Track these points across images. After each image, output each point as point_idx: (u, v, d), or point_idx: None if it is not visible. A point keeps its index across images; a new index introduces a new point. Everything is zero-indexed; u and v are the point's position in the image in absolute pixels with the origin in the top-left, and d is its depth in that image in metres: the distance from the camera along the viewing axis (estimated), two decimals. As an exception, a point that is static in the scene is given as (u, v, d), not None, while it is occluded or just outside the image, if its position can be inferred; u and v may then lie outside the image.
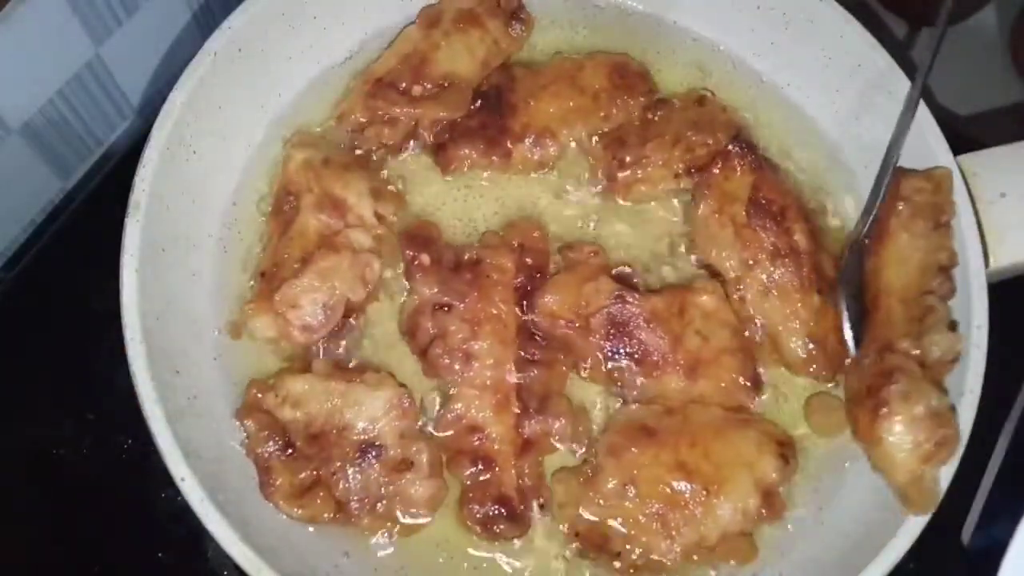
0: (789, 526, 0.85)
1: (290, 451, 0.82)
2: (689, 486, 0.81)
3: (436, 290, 0.86)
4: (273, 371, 0.87)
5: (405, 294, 0.89)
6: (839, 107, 0.96)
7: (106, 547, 0.92)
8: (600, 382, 0.87)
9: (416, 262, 0.88)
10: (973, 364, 0.82)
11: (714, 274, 0.90)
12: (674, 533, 0.81)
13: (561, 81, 0.95)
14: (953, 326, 0.83)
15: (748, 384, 0.86)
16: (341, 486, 0.81)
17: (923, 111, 0.90)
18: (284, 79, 0.95)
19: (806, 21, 0.95)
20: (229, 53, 0.89)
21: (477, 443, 0.83)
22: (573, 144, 0.95)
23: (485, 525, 0.82)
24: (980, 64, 1.28)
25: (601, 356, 0.86)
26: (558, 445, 0.85)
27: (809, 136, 0.98)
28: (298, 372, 0.85)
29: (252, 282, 0.89)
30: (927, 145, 0.89)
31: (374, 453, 0.82)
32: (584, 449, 0.86)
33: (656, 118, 0.95)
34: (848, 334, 0.87)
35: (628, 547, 0.82)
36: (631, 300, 0.86)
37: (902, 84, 0.91)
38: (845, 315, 0.87)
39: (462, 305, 0.86)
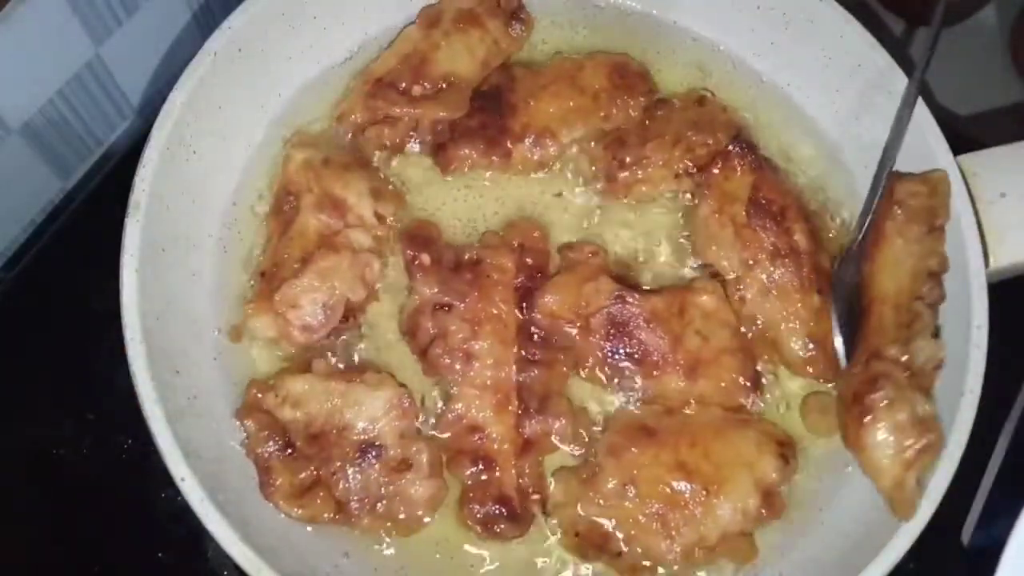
0: (789, 526, 0.85)
1: (290, 451, 0.82)
2: (689, 486, 0.81)
3: (436, 290, 0.86)
4: (273, 371, 0.87)
5: (406, 294, 0.89)
6: (839, 107, 0.96)
7: (106, 547, 0.92)
8: (600, 382, 0.87)
9: (416, 262, 0.88)
10: (973, 364, 0.82)
11: (714, 274, 0.90)
12: (674, 533, 0.81)
13: (561, 81, 0.95)
14: (937, 333, 0.84)
15: (748, 384, 0.86)
16: (341, 486, 0.81)
17: (923, 111, 0.90)
18: (284, 79, 0.95)
19: (806, 21, 0.95)
20: (229, 53, 0.89)
21: (477, 443, 0.83)
22: (573, 144, 0.95)
23: (485, 525, 0.82)
24: (980, 64, 1.28)
25: (601, 356, 0.86)
26: (558, 445, 0.85)
27: (809, 136, 0.98)
28: (298, 372, 0.85)
29: (252, 282, 0.89)
30: (927, 145, 0.89)
31: (374, 453, 0.82)
32: (584, 449, 0.86)
33: (656, 118, 0.95)
34: (838, 341, 0.86)
35: (628, 547, 0.82)
36: (631, 300, 0.86)
37: (902, 84, 0.91)
38: (835, 323, 0.87)
39: (462, 305, 0.86)
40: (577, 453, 0.86)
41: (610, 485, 0.82)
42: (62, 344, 0.97)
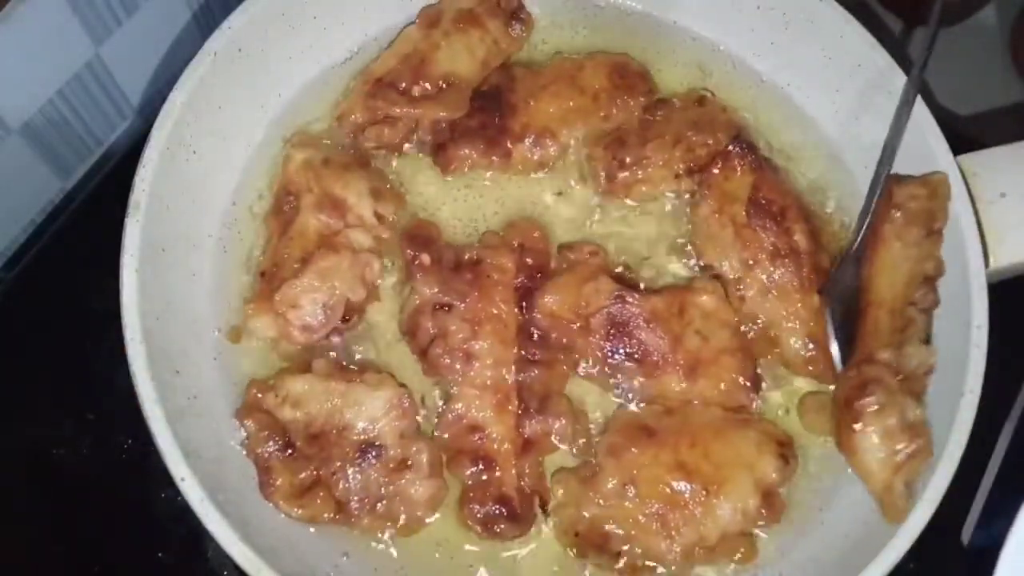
0: (789, 526, 0.85)
1: (290, 451, 0.82)
2: (689, 486, 0.81)
3: (436, 290, 0.86)
4: (273, 371, 0.87)
5: (406, 294, 0.89)
6: (839, 107, 0.96)
7: (106, 547, 0.92)
8: (600, 382, 0.87)
9: (416, 262, 0.88)
10: (973, 364, 0.82)
11: (714, 274, 0.90)
12: (674, 533, 0.81)
13: (561, 81, 0.95)
14: (928, 339, 0.84)
15: (748, 384, 0.86)
16: (341, 486, 0.81)
17: (923, 111, 0.90)
18: (284, 79, 0.95)
19: (806, 21, 0.95)
20: (229, 53, 0.89)
21: (477, 443, 0.83)
22: (573, 144, 0.95)
23: (485, 525, 0.82)
24: (980, 64, 1.28)
25: (601, 356, 0.86)
26: (558, 445, 0.85)
27: (809, 136, 0.98)
28: (298, 372, 0.85)
29: (252, 282, 0.89)
30: (927, 145, 0.89)
31: (374, 453, 0.82)
32: (584, 449, 0.86)
33: (656, 118, 0.95)
34: (834, 346, 0.86)
35: (628, 547, 0.82)
36: (631, 300, 0.86)
37: (902, 84, 0.91)
38: (830, 326, 0.86)
39: (462, 305, 0.86)
40: (577, 453, 0.86)
41: (610, 485, 0.82)
42: (62, 344, 0.97)
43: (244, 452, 0.83)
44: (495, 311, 0.86)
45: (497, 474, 0.82)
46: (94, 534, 0.92)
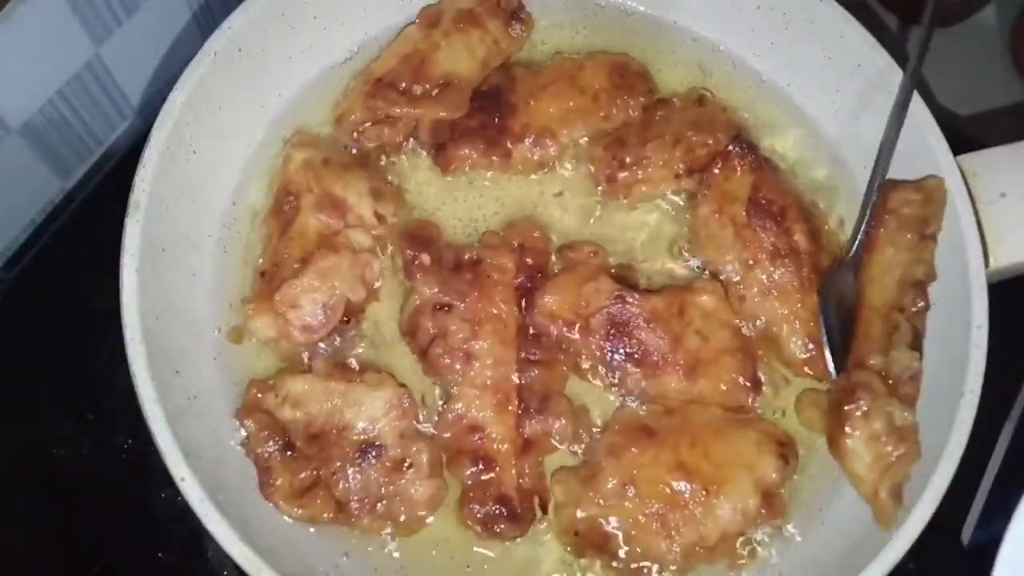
0: (789, 526, 0.85)
1: (290, 451, 0.82)
2: (689, 486, 0.81)
3: (436, 290, 0.86)
4: (273, 371, 0.87)
5: (405, 294, 0.89)
6: (839, 107, 0.96)
7: (106, 547, 0.92)
8: (600, 382, 0.87)
9: (416, 262, 0.88)
10: (973, 364, 0.82)
11: (714, 274, 0.90)
12: (674, 533, 0.81)
13: (561, 81, 0.95)
14: (914, 344, 0.84)
15: (748, 384, 0.86)
16: (341, 486, 0.81)
17: (923, 111, 0.90)
18: (284, 79, 0.95)
19: (806, 21, 0.95)
20: (229, 53, 0.89)
21: (477, 443, 0.83)
22: (573, 144, 0.95)
23: (485, 525, 0.82)
24: (980, 64, 1.28)
25: (601, 356, 0.86)
26: (558, 445, 0.85)
27: (809, 136, 0.98)
28: (298, 372, 0.85)
29: (252, 282, 0.89)
30: (926, 145, 0.89)
31: (374, 453, 0.82)
32: (584, 449, 0.86)
33: (656, 118, 0.95)
34: (827, 353, 0.86)
35: (628, 547, 0.82)
36: (631, 300, 0.86)
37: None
38: (823, 334, 0.86)
39: (462, 305, 0.86)
40: (577, 453, 0.86)
41: (610, 485, 0.82)
42: (62, 344, 0.97)
43: (244, 452, 0.83)
44: (495, 311, 0.86)
45: (497, 474, 0.82)
46: (94, 534, 0.92)
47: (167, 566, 0.91)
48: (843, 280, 0.87)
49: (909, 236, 0.87)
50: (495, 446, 0.83)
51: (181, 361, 0.83)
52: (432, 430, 0.85)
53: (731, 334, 0.87)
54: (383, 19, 0.98)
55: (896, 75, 0.91)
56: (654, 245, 0.93)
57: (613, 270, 0.90)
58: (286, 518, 0.81)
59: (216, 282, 0.89)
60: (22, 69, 0.94)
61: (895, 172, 0.89)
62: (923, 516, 0.78)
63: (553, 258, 0.91)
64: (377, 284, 0.89)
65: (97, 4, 0.98)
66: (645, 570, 0.82)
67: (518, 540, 0.83)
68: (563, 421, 0.85)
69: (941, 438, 0.80)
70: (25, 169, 1.03)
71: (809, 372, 0.88)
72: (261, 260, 0.90)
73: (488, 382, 0.84)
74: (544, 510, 0.84)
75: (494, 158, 0.93)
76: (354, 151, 0.94)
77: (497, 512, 0.82)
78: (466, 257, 0.88)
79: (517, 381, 0.85)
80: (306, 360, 0.87)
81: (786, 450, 0.84)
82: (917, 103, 0.89)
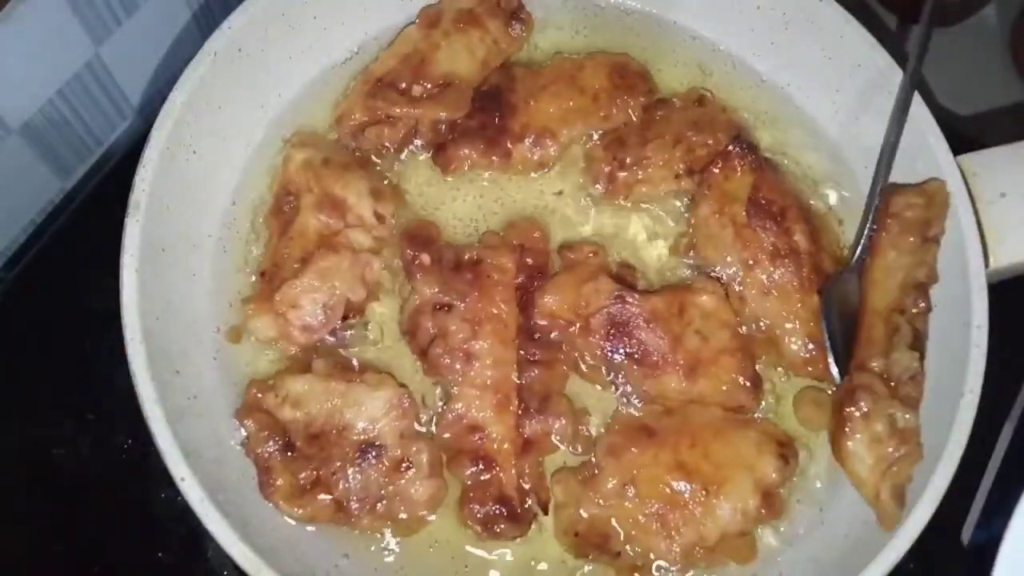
0: (789, 526, 0.85)
1: (290, 451, 0.82)
2: (689, 486, 0.81)
3: (436, 290, 0.86)
4: (273, 371, 0.87)
5: (406, 294, 0.89)
6: (839, 107, 0.96)
7: (106, 547, 0.92)
8: (600, 382, 0.87)
9: (416, 262, 0.88)
10: (973, 364, 0.82)
11: (714, 274, 0.90)
12: (674, 533, 0.81)
13: (561, 81, 0.95)
14: (916, 345, 0.84)
15: (748, 384, 0.86)
16: (341, 486, 0.81)
17: (923, 111, 0.90)
18: (284, 79, 0.95)
19: (806, 21, 0.95)
20: (229, 53, 0.89)
21: (477, 443, 0.83)
22: (573, 144, 0.95)
23: (485, 525, 0.82)
24: (980, 64, 1.28)
25: (601, 356, 0.86)
26: (558, 445, 0.85)
27: (809, 136, 0.98)
28: (298, 372, 0.85)
29: (252, 282, 0.89)
30: (927, 145, 0.89)
31: (374, 453, 0.82)
32: (584, 449, 0.86)
33: (656, 118, 0.95)
34: (831, 358, 0.86)
35: (628, 547, 0.82)
36: (631, 300, 0.86)
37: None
38: (826, 339, 0.86)
39: (462, 305, 0.86)
40: (577, 453, 0.86)
41: (610, 485, 0.82)
42: (62, 344, 0.97)
43: (244, 452, 0.83)
44: (495, 311, 0.86)
45: (497, 474, 0.82)
46: (94, 534, 0.92)
47: (167, 566, 0.91)
48: (847, 285, 0.87)
49: (911, 239, 0.87)
50: (495, 446, 0.83)
51: (181, 361, 0.83)
52: (432, 430, 0.85)
53: (731, 334, 0.87)
54: (383, 19, 0.98)
55: (896, 75, 0.91)
56: (654, 245, 0.93)
57: (613, 270, 0.90)
58: (286, 518, 0.81)
59: (216, 282, 0.89)
60: (22, 69, 0.94)
61: (895, 173, 0.89)
62: (923, 516, 0.79)
63: (553, 258, 0.91)
64: (377, 284, 0.89)
65: (97, 4, 0.98)
66: (645, 570, 0.82)
67: (518, 540, 0.83)
68: (563, 421, 0.85)
69: (941, 438, 0.80)
70: (25, 169, 1.03)
71: (809, 372, 0.88)
72: (261, 260, 0.90)
73: (488, 382, 0.84)
74: (544, 510, 0.84)
75: (494, 158, 0.93)
76: (354, 151, 0.94)
77: (497, 512, 0.82)
78: (466, 257, 0.88)
79: (517, 381, 0.85)
80: (306, 359, 0.87)
81: (786, 450, 0.84)
82: (917, 103, 0.90)
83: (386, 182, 0.93)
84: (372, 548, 0.83)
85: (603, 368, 0.86)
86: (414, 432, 0.84)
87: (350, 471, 0.81)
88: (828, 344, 0.86)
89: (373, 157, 0.94)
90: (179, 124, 0.86)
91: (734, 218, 0.89)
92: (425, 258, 0.88)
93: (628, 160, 0.93)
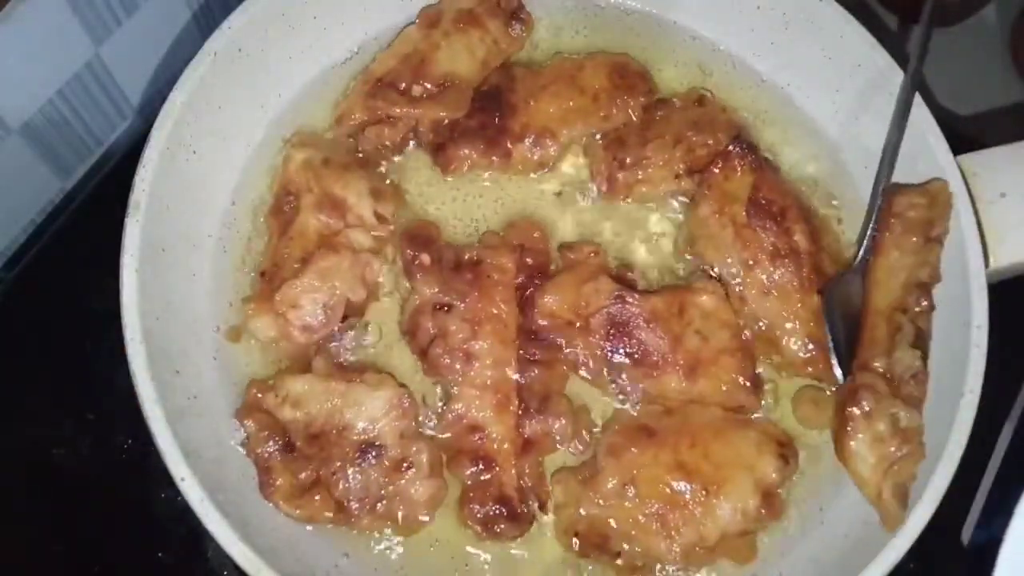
0: (789, 526, 0.85)
1: (290, 451, 0.82)
2: (689, 486, 0.81)
3: (436, 290, 0.86)
4: (273, 371, 0.87)
5: (406, 294, 0.89)
6: (839, 107, 0.96)
7: (106, 547, 0.92)
8: (600, 382, 0.87)
9: (416, 262, 0.88)
10: (973, 364, 0.82)
11: (714, 274, 0.90)
12: (674, 533, 0.81)
13: (561, 81, 0.95)
14: (918, 344, 0.84)
15: (748, 384, 0.86)
16: (341, 486, 0.81)
17: (923, 111, 0.90)
18: (284, 79, 0.95)
19: (806, 21, 0.95)
20: (229, 53, 0.89)
21: (477, 443, 0.83)
22: (573, 144, 0.95)
23: (485, 525, 0.82)
24: (980, 64, 1.28)
25: (601, 356, 0.86)
26: (558, 445, 0.85)
27: (809, 136, 0.98)
28: (298, 372, 0.85)
29: (252, 282, 0.89)
30: (927, 145, 0.89)
31: (374, 453, 0.82)
32: (584, 449, 0.86)
33: (656, 118, 0.95)
34: (834, 360, 0.86)
35: (628, 547, 0.82)
36: (631, 300, 0.86)
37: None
38: (831, 343, 0.86)
39: (462, 305, 0.86)
40: (577, 453, 0.86)
41: (610, 485, 0.82)
42: (62, 344, 0.97)
43: (244, 452, 0.83)
44: (495, 311, 0.86)
45: (497, 474, 0.82)
46: (94, 534, 0.92)
47: (167, 566, 0.91)
48: (850, 286, 0.87)
49: (914, 239, 0.87)
50: (495, 446, 0.83)
51: (181, 361, 0.83)
52: (432, 430, 0.85)
53: (731, 334, 0.87)
54: (383, 19, 0.98)
55: (896, 75, 0.91)
56: (654, 245, 0.93)
57: (613, 270, 0.90)
58: (286, 518, 0.81)
59: (216, 282, 0.89)
60: (22, 69, 0.94)
61: (895, 173, 0.89)
62: (923, 516, 0.79)
63: (553, 258, 0.91)
64: (377, 284, 0.89)
65: (97, 4, 0.98)
66: (645, 570, 0.82)
67: (518, 540, 0.83)
68: (563, 421, 0.85)
69: (941, 438, 0.80)
70: (25, 169, 1.03)
71: (809, 372, 0.88)
72: (261, 260, 0.90)
73: (488, 382, 0.84)
74: (544, 510, 0.84)
75: (494, 158, 0.93)
76: (354, 151, 0.94)
77: (497, 512, 0.82)
78: (466, 257, 0.88)
79: (517, 381, 0.85)
80: (306, 359, 0.87)
81: (786, 450, 0.84)
82: (917, 103, 0.90)
83: (387, 182, 0.93)
84: (372, 548, 0.83)
85: (603, 368, 0.86)
86: (414, 432, 0.84)
87: (350, 471, 0.81)
88: (831, 345, 0.86)
89: (373, 157, 0.94)
90: (179, 124, 0.86)
91: (734, 218, 0.89)
92: (425, 258, 0.88)
93: (628, 160, 0.93)
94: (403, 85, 0.93)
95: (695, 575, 0.83)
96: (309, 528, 0.82)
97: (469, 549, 0.84)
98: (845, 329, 0.86)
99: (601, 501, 0.82)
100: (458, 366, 0.84)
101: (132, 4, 1.02)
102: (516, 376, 0.85)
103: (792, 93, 0.98)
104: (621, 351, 0.86)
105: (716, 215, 0.90)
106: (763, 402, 0.87)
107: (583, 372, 0.87)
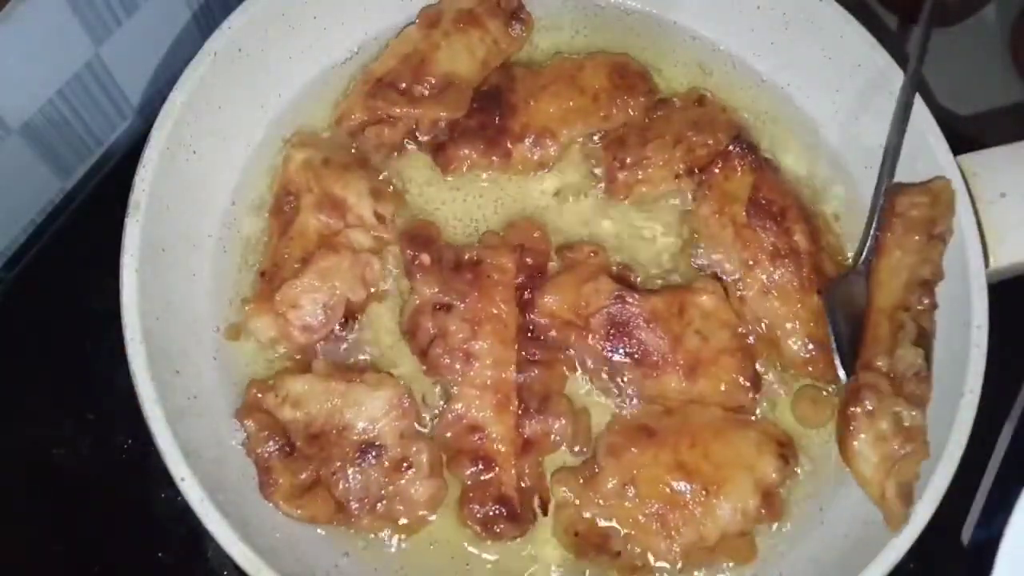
0: (789, 526, 0.85)
1: (290, 451, 0.82)
2: (689, 486, 0.81)
3: (436, 290, 0.86)
4: (273, 371, 0.87)
5: (406, 294, 0.89)
6: (839, 107, 0.96)
7: (106, 547, 0.92)
8: (600, 382, 0.87)
9: (416, 262, 0.88)
10: (973, 364, 0.82)
11: (714, 274, 0.90)
12: (674, 533, 0.81)
13: (561, 81, 0.95)
14: (921, 342, 0.84)
15: (748, 384, 0.86)
16: (341, 486, 0.81)
17: (923, 111, 0.90)
18: (284, 79, 0.95)
19: (806, 21, 0.95)
20: (229, 53, 0.89)
21: (477, 443, 0.83)
22: (573, 144, 0.95)
23: (485, 525, 0.82)
24: (980, 64, 1.28)
25: (601, 356, 0.86)
26: (558, 445, 0.85)
27: (809, 136, 0.98)
28: (298, 372, 0.85)
29: (252, 282, 0.89)
30: (927, 145, 0.89)
31: (374, 453, 0.82)
32: (584, 449, 0.86)
33: (656, 118, 0.95)
34: (836, 360, 0.86)
35: (628, 547, 0.82)
36: (631, 300, 0.86)
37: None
38: (832, 341, 0.86)
39: (462, 305, 0.86)
40: (577, 453, 0.86)
41: (610, 485, 0.82)
42: (62, 344, 0.97)
43: (244, 452, 0.83)
44: (495, 311, 0.86)
45: (497, 474, 0.82)
46: (94, 534, 0.92)
47: (167, 566, 0.91)
48: (853, 287, 0.87)
49: (917, 238, 0.86)
50: (495, 446, 0.83)
51: (181, 361, 0.83)
52: (432, 430, 0.85)
53: (731, 334, 0.87)
54: (383, 19, 0.98)
55: (896, 75, 0.91)
56: (654, 245, 0.93)
57: (613, 270, 0.90)
58: (286, 518, 0.81)
59: (216, 282, 0.89)
60: (22, 69, 0.94)
61: (895, 173, 0.89)
62: (923, 516, 0.79)
63: (553, 258, 0.91)
64: (377, 284, 0.89)
65: (97, 4, 0.98)
66: (645, 570, 0.82)
67: (518, 540, 0.83)
68: (563, 421, 0.85)
69: (941, 438, 0.80)
70: (25, 169, 1.03)
71: (809, 372, 0.88)
72: (261, 260, 0.90)
73: (488, 382, 0.84)
74: (544, 510, 0.84)
75: (494, 158, 0.93)
76: (354, 151, 0.94)
77: (497, 512, 0.82)
78: (466, 257, 0.88)
79: (517, 381, 0.85)
80: (306, 359, 0.87)
81: (786, 450, 0.84)
82: (917, 103, 0.90)
83: (386, 182, 0.93)
84: (372, 548, 0.83)
85: (603, 368, 0.86)
86: (414, 432, 0.84)
87: (350, 471, 0.81)
88: (834, 346, 0.86)
89: (373, 157, 0.94)
90: (179, 124, 0.86)
91: (734, 218, 0.89)
92: (425, 258, 0.88)
93: (628, 160, 0.93)
94: (403, 85, 0.93)
95: (695, 575, 0.83)
96: (309, 528, 0.82)
97: (469, 549, 0.84)
98: (849, 330, 0.86)
99: (601, 501, 0.82)
100: (458, 366, 0.84)
101: (132, 4, 1.02)
102: (516, 376, 0.85)
103: (792, 93, 0.98)
104: (621, 351, 0.86)
105: (716, 215, 0.90)
106: (762, 402, 0.87)
107: (583, 372, 0.87)
